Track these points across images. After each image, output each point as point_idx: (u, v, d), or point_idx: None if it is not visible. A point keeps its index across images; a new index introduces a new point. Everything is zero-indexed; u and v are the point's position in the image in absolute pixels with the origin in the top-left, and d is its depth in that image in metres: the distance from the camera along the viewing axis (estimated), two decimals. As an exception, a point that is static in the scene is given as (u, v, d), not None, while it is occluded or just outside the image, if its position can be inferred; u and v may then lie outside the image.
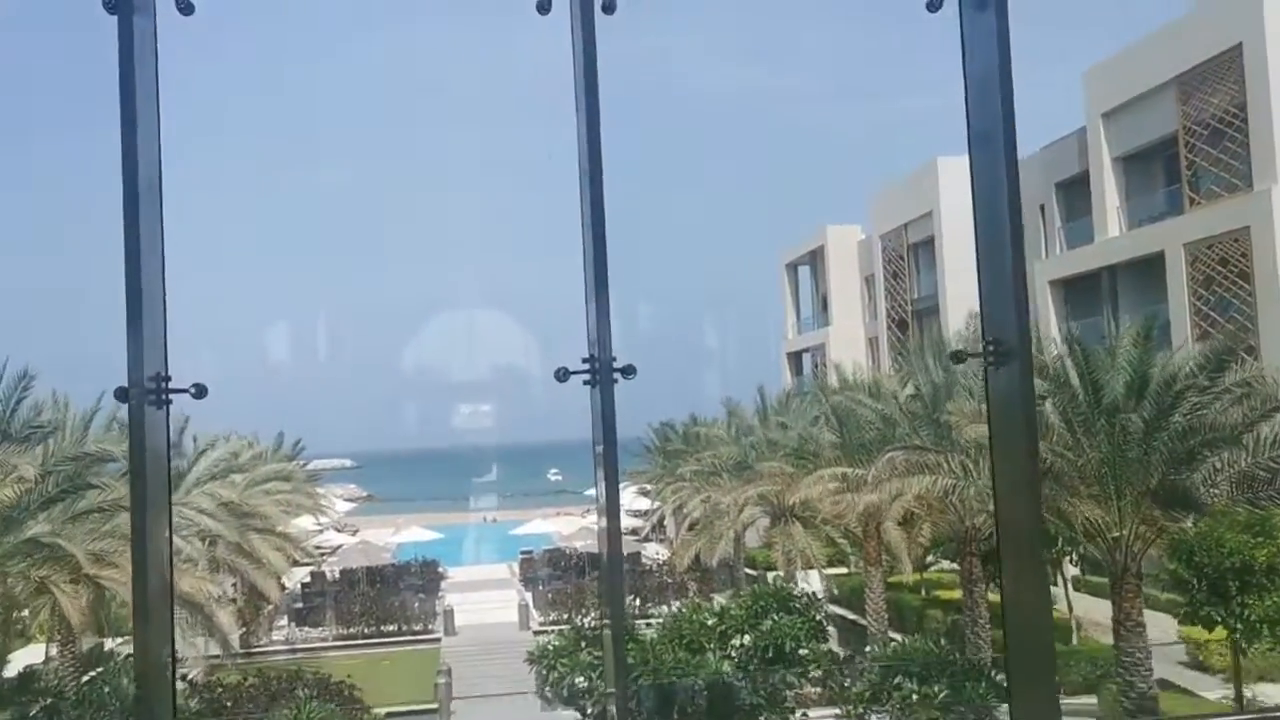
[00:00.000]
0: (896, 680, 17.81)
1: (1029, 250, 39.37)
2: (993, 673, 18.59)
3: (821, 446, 30.26)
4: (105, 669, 19.18)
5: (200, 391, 4.73)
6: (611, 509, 4.74)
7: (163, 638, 4.55)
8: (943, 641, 18.86)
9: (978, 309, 4.97)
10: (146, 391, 4.51)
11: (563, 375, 5.05)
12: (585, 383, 5.09)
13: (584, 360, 5.07)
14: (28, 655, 24.19)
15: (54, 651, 23.09)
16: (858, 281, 54.72)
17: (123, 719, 16.92)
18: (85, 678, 22.66)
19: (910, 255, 48.74)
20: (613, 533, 4.71)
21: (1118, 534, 18.37)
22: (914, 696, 16.87)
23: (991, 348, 4.68)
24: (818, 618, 17.26)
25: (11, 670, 22.42)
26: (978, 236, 4.85)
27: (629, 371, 4.96)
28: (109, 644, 32.93)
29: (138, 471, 4.41)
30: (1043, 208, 38.64)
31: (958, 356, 9.10)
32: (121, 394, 4.44)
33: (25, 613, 22.26)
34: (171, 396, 4.68)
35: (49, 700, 18.23)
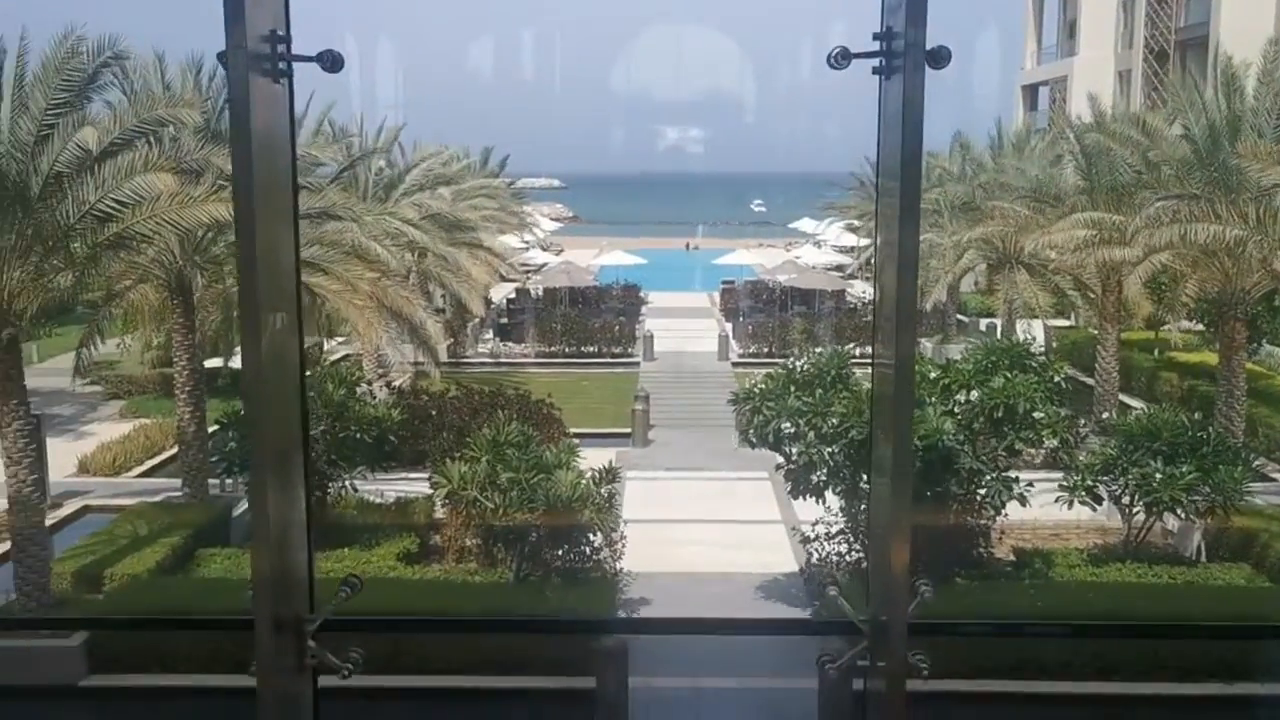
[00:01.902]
0: (1136, 456, 16.08)
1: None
2: (1249, 456, 16.62)
3: (1064, 190, 27.31)
4: (313, 373, 19.40)
5: (333, 62, 3.36)
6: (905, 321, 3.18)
7: (287, 417, 3.42)
8: (1196, 415, 16.83)
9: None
10: (254, 56, 3.17)
11: (840, 59, 3.43)
12: (875, 71, 3.46)
13: (876, 37, 3.42)
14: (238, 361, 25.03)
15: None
16: (1114, 5, 48.72)
17: (329, 423, 17.08)
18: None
19: (1181, -25, 42.83)
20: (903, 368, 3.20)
21: None
22: (1158, 477, 15.16)
23: None
24: (1056, 379, 15.50)
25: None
26: None
27: (941, 57, 3.30)
28: (326, 344, 34.31)
29: (241, 163, 3.12)
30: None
31: None
32: (222, 57, 3.13)
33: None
34: (291, 65, 3.33)
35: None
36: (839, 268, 54.33)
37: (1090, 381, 27.24)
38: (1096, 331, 28.92)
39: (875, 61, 3.45)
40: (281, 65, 3.30)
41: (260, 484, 3.30)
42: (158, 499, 19.30)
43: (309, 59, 3.34)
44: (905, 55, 3.22)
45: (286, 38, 3.31)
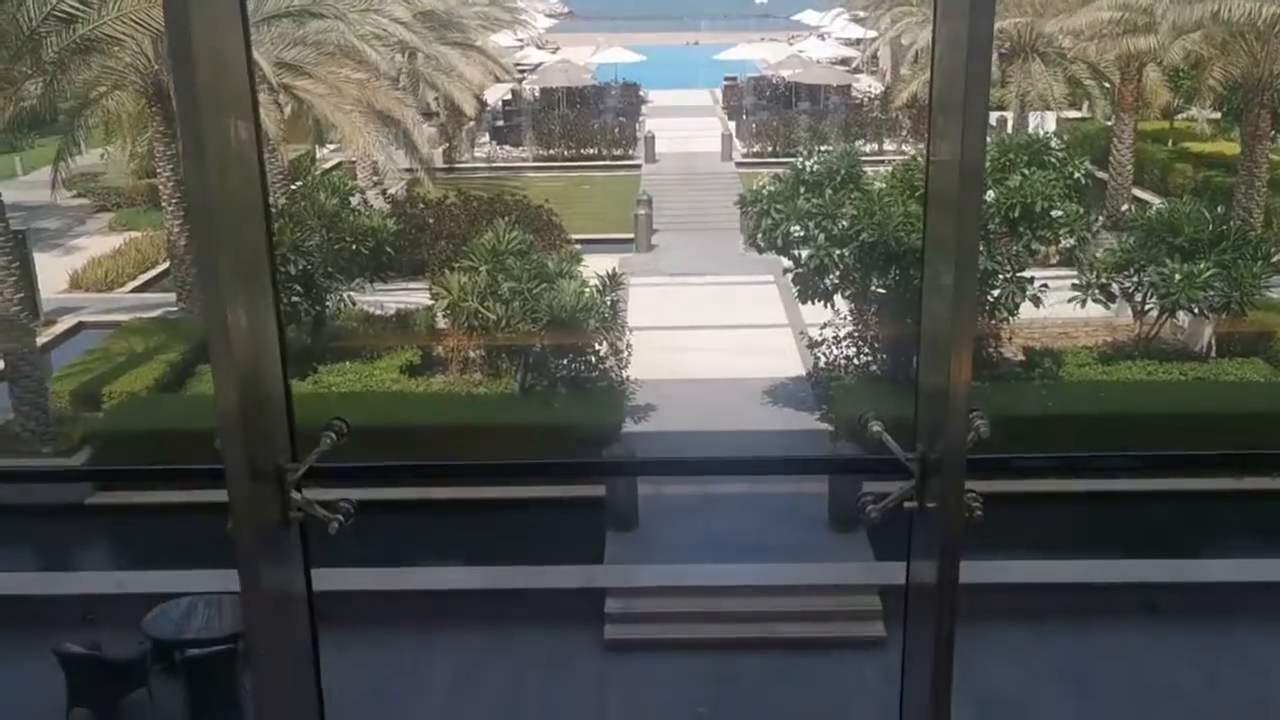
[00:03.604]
0: (1153, 252, 15.61)
1: None
2: (1269, 250, 16.14)
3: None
4: (303, 183, 18.76)
5: None
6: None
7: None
8: (1218, 209, 16.24)
9: None
10: None
11: None
12: None
13: None
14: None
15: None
16: None
17: (323, 235, 16.55)
18: (293, 186, 22.68)
19: None
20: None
21: None
22: (1176, 276, 14.71)
23: None
24: (1075, 175, 14.85)
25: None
26: None
27: None
28: (319, 152, 33.38)
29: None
30: None
31: None
32: None
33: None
34: None
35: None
36: (844, 61, 52.45)
37: (1103, 175, 26.49)
38: (1111, 122, 27.97)
39: None
40: None
41: (218, 312, 2.86)
42: (154, 314, 18.98)
43: None
44: None
45: None
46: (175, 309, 19.25)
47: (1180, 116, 34.03)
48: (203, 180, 2.78)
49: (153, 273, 23.45)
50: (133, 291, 22.53)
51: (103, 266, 23.04)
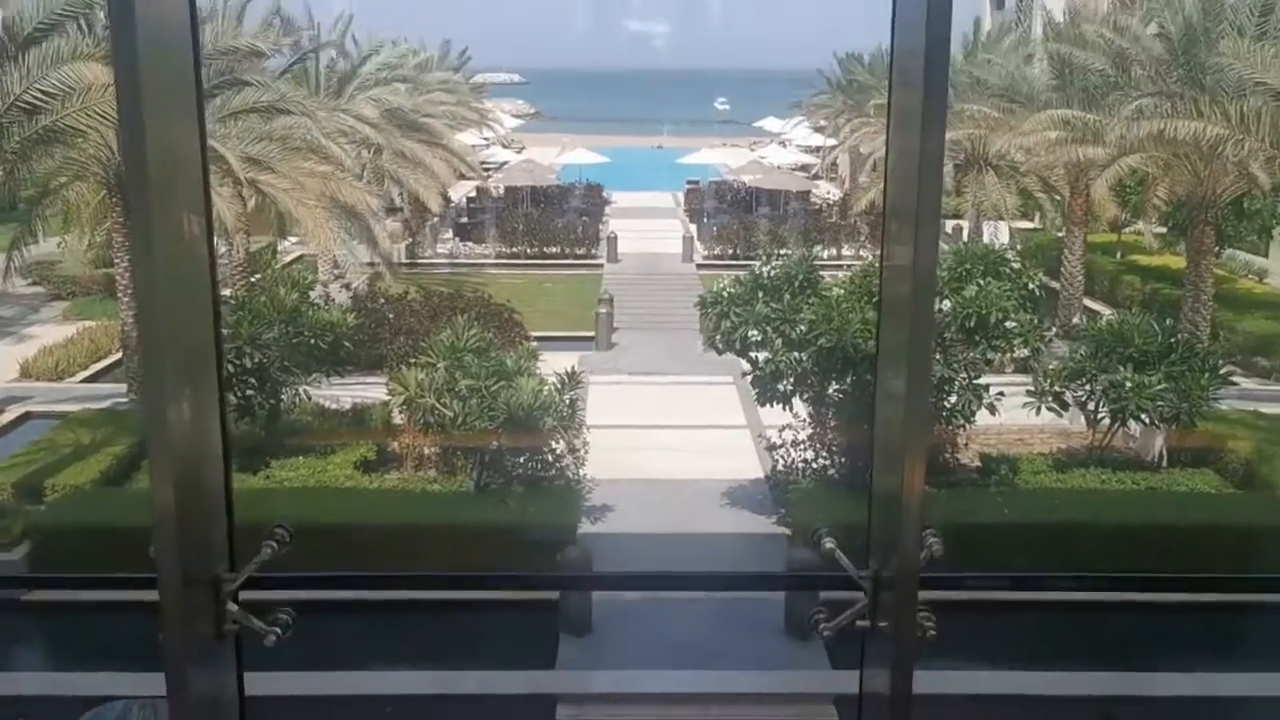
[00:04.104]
0: (1105, 362, 15.85)
1: None
2: (1217, 362, 16.45)
3: (1036, 89, 26.73)
4: (263, 276, 18.73)
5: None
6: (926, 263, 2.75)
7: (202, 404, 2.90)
8: (1167, 322, 16.58)
9: None
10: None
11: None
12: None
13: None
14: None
15: (221, 250, 22.87)
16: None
17: (281, 329, 16.45)
18: (253, 279, 22.60)
19: None
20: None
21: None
22: (1127, 385, 14.93)
23: None
24: (1030, 286, 15.16)
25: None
26: None
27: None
28: (281, 244, 33.38)
29: (123, 53, 2.56)
30: None
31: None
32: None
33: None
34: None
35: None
36: (804, 168, 53.53)
37: (1055, 285, 27.04)
38: (1062, 234, 28.64)
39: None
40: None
41: (158, 409, 2.78)
42: (103, 405, 18.67)
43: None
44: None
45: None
46: (125, 400, 18.96)
47: (1128, 230, 34.96)
48: (150, 273, 2.74)
49: (105, 363, 23.13)
50: (83, 381, 22.17)
51: (54, 355, 22.72)
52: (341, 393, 18.26)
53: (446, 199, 37.52)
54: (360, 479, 15.72)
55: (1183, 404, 15.58)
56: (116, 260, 18.73)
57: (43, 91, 13.59)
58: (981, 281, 14.68)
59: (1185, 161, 18.62)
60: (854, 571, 2.96)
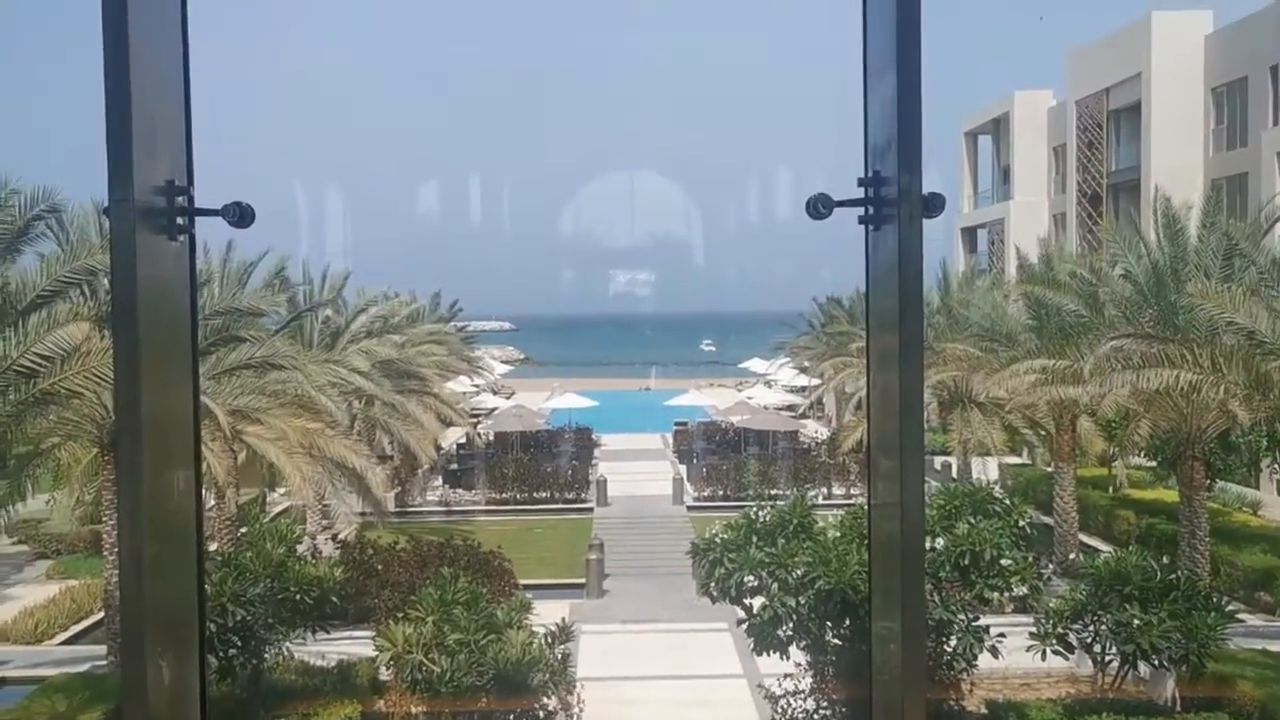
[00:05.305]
0: (1106, 600, 15.56)
1: (1256, 116, 34.88)
2: (1220, 599, 16.17)
3: (1015, 329, 27.49)
4: (250, 530, 18.56)
5: (241, 216, 2.92)
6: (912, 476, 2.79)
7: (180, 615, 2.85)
8: (1164, 559, 16.42)
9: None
10: (146, 210, 2.71)
11: (821, 208, 3.04)
12: (861, 220, 3.08)
13: (862, 183, 3.05)
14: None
15: (210, 504, 22.77)
16: (1045, 152, 50.44)
17: (266, 584, 16.14)
18: (240, 533, 22.38)
19: (1110, 123, 44.45)
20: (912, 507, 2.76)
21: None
22: (1135, 623, 14.62)
23: None
24: (1021, 523, 15.08)
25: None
26: None
27: (936, 205, 2.93)
28: (271, 495, 33.25)
29: (123, 325, 2.63)
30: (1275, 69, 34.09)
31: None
32: (108, 212, 2.67)
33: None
34: (193, 220, 2.87)
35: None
36: (790, 407, 54.29)
37: (1048, 520, 26.92)
38: (1051, 469, 28.74)
39: (860, 210, 3.08)
40: (180, 220, 2.84)
41: (137, 673, 2.68)
42: (82, 669, 18.06)
43: (212, 212, 2.89)
44: (899, 203, 2.84)
45: (187, 189, 2.87)
46: (104, 662, 18.36)
47: (1114, 465, 35.13)
48: (135, 535, 2.72)
49: (86, 623, 22.57)
50: (63, 644, 21.56)
51: (34, 617, 22.17)
52: (327, 648, 17.75)
53: (437, 446, 37.72)
54: (344, 742, 15.05)
55: (1191, 644, 15.20)
56: (105, 517, 18.59)
57: (40, 355, 13.85)
58: (972, 520, 14.59)
59: (1166, 398, 18.92)
60: None
